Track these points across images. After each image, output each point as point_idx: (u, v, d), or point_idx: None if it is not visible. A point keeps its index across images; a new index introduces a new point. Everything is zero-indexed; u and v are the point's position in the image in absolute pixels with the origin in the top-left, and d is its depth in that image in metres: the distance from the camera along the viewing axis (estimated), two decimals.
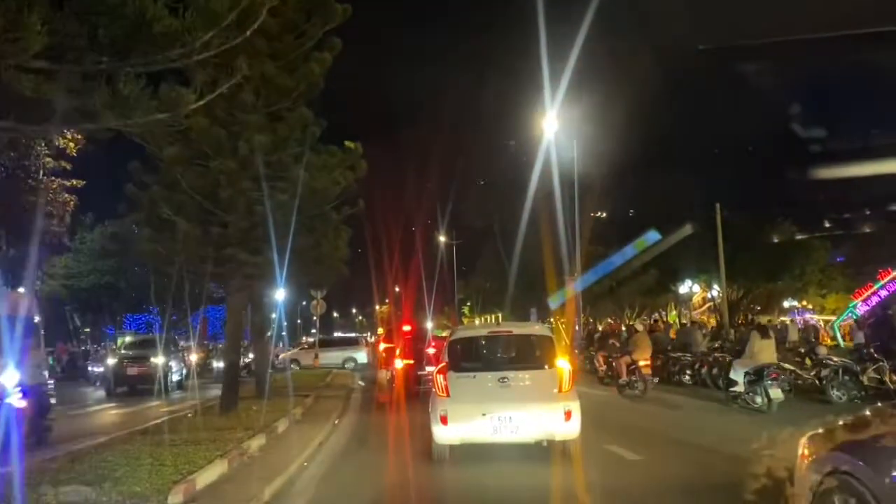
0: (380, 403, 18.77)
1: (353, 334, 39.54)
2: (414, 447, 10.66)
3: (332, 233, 14.73)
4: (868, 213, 37.72)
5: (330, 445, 11.76)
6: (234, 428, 12.04)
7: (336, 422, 14.44)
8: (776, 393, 13.07)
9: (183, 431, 11.79)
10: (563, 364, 9.09)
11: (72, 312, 48.10)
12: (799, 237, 37.61)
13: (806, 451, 4.60)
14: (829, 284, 42.32)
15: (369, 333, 55.21)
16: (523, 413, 8.64)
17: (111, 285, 43.88)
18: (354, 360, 35.90)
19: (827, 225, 39.23)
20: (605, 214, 44.88)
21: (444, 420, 8.76)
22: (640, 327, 20.62)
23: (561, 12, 25.57)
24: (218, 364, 31.42)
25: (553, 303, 36.95)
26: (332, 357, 35.78)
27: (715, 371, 18.49)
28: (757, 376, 13.52)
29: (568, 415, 8.61)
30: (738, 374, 13.95)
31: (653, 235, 32.34)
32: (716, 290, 41.18)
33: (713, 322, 39.12)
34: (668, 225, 36.41)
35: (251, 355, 38.22)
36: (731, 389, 14.22)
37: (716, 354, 19.16)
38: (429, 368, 16.03)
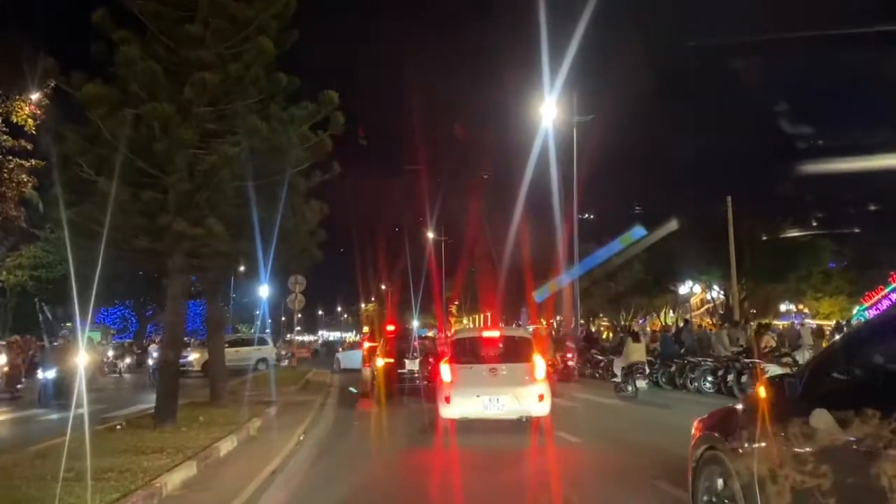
0: (359, 412, 15.71)
1: (262, 333, 34.21)
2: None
3: (300, 204, 11.56)
4: (872, 212, 35.20)
5: (287, 474, 8.65)
6: (160, 450, 8.90)
7: (301, 437, 11.33)
8: (641, 384, 16.34)
9: (90, 454, 8.67)
10: (538, 359, 11.35)
11: (41, 305, 44.55)
12: (804, 236, 35.14)
13: (694, 431, 5.47)
14: (822, 289, 39.67)
15: (287, 333, 50.62)
16: (508, 395, 10.74)
17: (81, 276, 40.18)
18: (266, 361, 30.93)
19: (831, 225, 37.01)
20: (592, 216, 42.37)
21: (447, 400, 10.90)
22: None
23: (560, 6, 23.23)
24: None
25: (539, 297, 35.52)
26: (241, 356, 29.66)
27: (745, 378, 15.64)
28: (629, 371, 16.56)
29: (541, 397, 10.80)
30: (617, 369, 17.38)
31: (638, 231, 31.05)
32: (715, 292, 38.46)
33: (706, 324, 36.59)
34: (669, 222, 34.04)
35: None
36: (613, 380, 17.60)
37: (744, 360, 16.26)
38: (409, 365, 17.80)
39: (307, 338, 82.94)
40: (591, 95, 31.39)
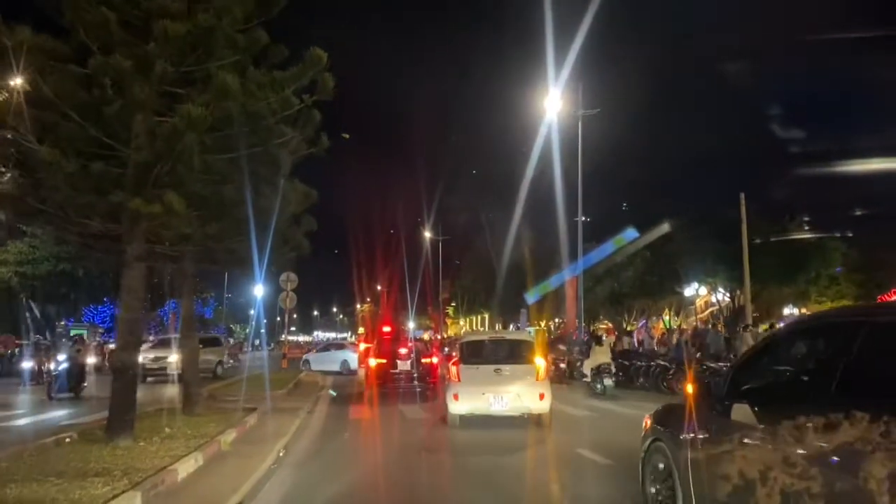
0: (351, 421, 14.01)
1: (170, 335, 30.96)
2: None
3: (283, 183, 9.77)
4: (879, 214, 33.71)
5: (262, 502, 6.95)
6: (105, 472, 7.20)
7: (281, 453, 9.60)
8: (608, 382, 17.73)
9: (21, 476, 6.96)
10: (540, 361, 12.03)
11: (29, 301, 42.62)
12: (812, 238, 33.59)
13: (644, 425, 6.02)
14: (825, 293, 38.03)
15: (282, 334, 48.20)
16: (511, 394, 11.41)
17: (68, 273, 38.36)
18: (222, 364, 27.90)
19: (838, 227, 35.52)
20: (588, 219, 40.94)
21: (456, 397, 11.63)
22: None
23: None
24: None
25: (531, 298, 34.59)
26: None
27: None
28: (597, 371, 18.03)
29: (542, 396, 11.46)
30: (586, 370, 18.88)
31: (631, 233, 30.31)
32: (720, 294, 36.82)
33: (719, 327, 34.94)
34: (676, 222, 32.51)
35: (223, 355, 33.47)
36: (584, 379, 18.94)
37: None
38: (401, 366, 17.72)
39: (302, 338, 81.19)
40: (596, 90, 29.91)
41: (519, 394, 11.41)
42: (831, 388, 3.80)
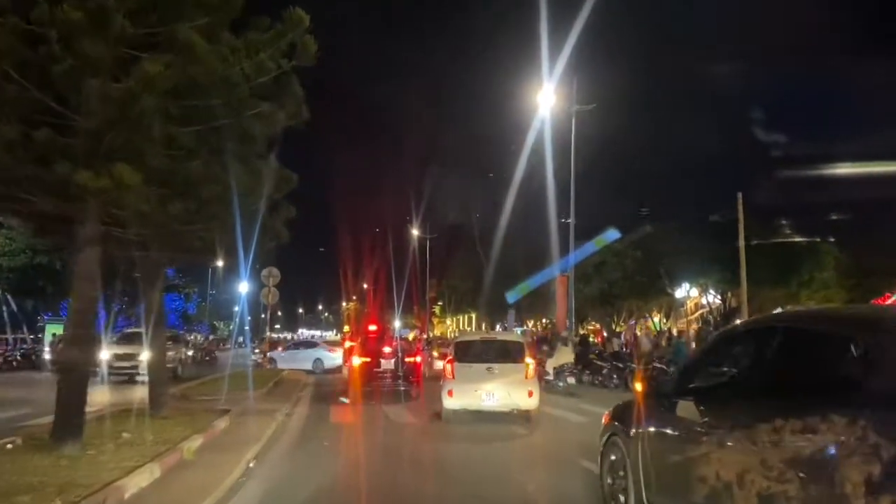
0: (332, 425, 12.92)
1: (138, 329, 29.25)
2: None
3: (256, 159, 8.63)
4: (871, 218, 33.06)
5: None
6: (36, 487, 6.07)
7: (252, 463, 8.49)
8: (570, 380, 18.59)
9: None
10: (529, 360, 12.62)
11: (6, 294, 41.00)
12: (805, 240, 32.88)
13: (603, 421, 6.31)
14: (814, 296, 37.33)
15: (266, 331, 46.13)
16: (502, 391, 12.00)
17: (44, 266, 36.84)
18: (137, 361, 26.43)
19: (832, 231, 34.84)
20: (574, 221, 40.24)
21: (450, 393, 12.14)
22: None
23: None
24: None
25: (511, 297, 34.03)
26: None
27: None
28: (560, 370, 18.75)
29: (530, 393, 12.04)
30: (549, 368, 18.98)
31: (612, 234, 29.78)
32: (711, 296, 36.01)
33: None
34: (670, 223, 31.71)
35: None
36: (546, 378, 18.31)
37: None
38: (385, 365, 17.63)
39: (287, 335, 79.79)
40: (591, 86, 28.87)
41: (509, 391, 11.93)
42: (758, 386, 4.20)
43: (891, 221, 30.74)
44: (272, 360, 29.78)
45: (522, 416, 12.18)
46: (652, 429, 5.15)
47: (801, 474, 3.44)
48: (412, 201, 46.48)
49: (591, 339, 32.32)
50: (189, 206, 7.77)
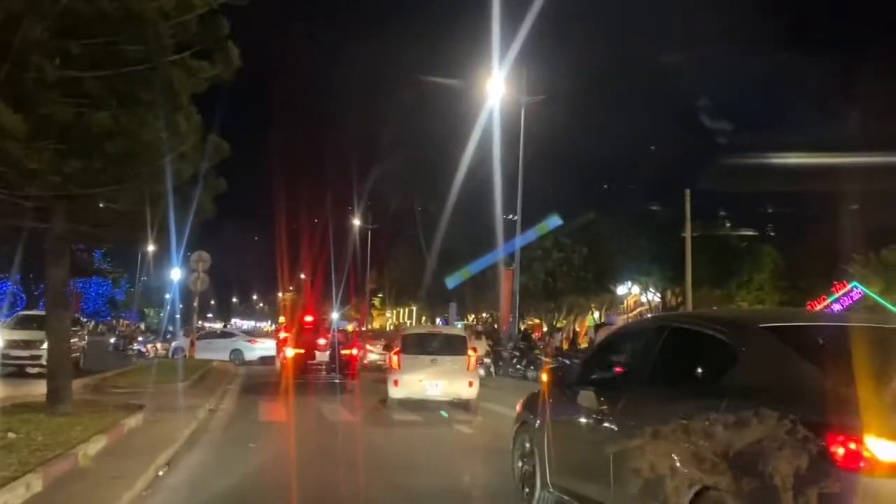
0: (262, 424, 11.66)
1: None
2: None
3: (165, 102, 7.20)
4: (808, 220, 33.51)
5: None
6: None
7: (162, 471, 7.22)
8: (481, 372, 17.36)
9: None
10: (470, 353, 13.27)
11: None
12: (745, 240, 33.09)
13: (516, 410, 6.68)
14: (746, 297, 37.74)
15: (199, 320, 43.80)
16: (445, 381, 12.69)
17: None
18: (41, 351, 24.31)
19: (771, 230, 35.19)
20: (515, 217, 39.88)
21: (396, 383, 12.77)
22: None
23: None
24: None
25: (451, 283, 33.75)
26: None
27: None
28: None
29: (471, 384, 12.79)
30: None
31: (553, 220, 29.21)
32: (651, 293, 35.92)
33: None
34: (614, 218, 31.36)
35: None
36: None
37: None
38: (319, 357, 17.22)
39: (219, 325, 76.94)
40: (542, 77, 28.14)
41: (451, 381, 12.67)
42: (644, 377, 4.64)
43: (825, 220, 31.14)
44: (178, 350, 27.34)
45: (462, 405, 12.88)
46: (557, 415, 5.58)
47: (674, 455, 3.82)
48: (354, 190, 44.98)
49: (531, 335, 31.74)
50: (92, 165, 6.41)
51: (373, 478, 7.31)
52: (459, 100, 30.07)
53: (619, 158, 34.15)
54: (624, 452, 4.27)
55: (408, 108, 36.43)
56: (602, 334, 19.79)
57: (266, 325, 76.43)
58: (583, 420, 5.01)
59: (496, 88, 25.71)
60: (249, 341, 31.03)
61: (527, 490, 5.93)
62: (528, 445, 6.03)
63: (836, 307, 30.69)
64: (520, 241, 27.30)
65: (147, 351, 30.43)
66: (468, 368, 12.93)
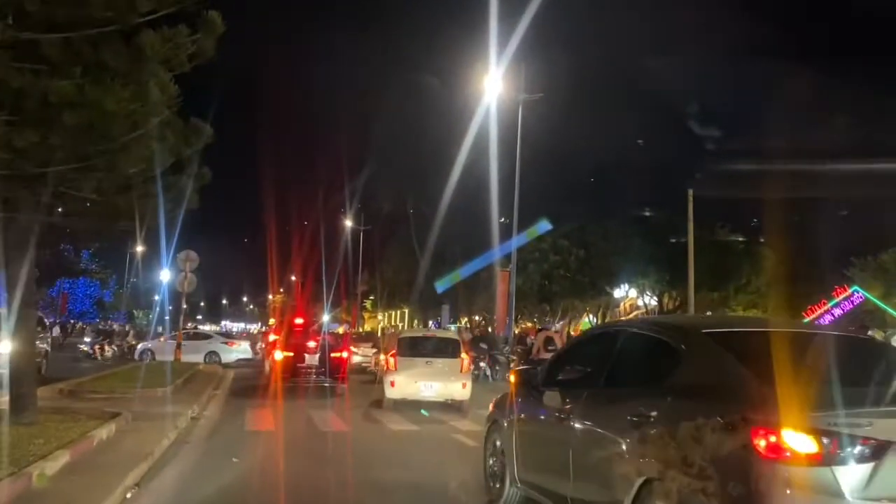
0: (247, 434, 10.71)
1: None
2: None
3: (133, 70, 6.19)
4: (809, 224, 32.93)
5: None
6: None
7: (131, 492, 6.31)
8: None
9: None
10: (464, 356, 13.74)
11: None
12: (743, 243, 32.47)
13: (490, 409, 6.80)
14: (741, 301, 37.09)
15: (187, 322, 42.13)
16: (439, 383, 13.11)
17: None
18: None
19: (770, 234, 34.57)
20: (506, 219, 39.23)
21: (392, 384, 13.05)
22: None
23: None
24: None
25: (440, 287, 33.16)
26: None
27: None
28: None
29: (464, 385, 13.16)
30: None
31: (543, 225, 28.87)
32: (648, 297, 35.20)
33: None
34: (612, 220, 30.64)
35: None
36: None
37: None
38: (309, 360, 16.70)
39: (210, 327, 75.72)
40: (540, 75, 27.35)
41: (445, 383, 13.09)
42: (602, 378, 4.98)
43: (825, 223, 30.60)
44: (147, 352, 26.07)
45: (456, 406, 13.22)
46: (524, 415, 5.79)
47: (624, 449, 4.14)
48: (346, 191, 44.05)
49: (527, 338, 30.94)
50: (49, 139, 5.50)
51: (367, 496, 6.45)
52: (454, 99, 29.32)
53: (618, 159, 33.50)
54: (582, 448, 4.63)
55: (401, 107, 35.58)
56: (540, 338, 20.17)
57: (255, 328, 75.26)
58: (547, 419, 5.27)
59: (493, 86, 24.93)
60: (227, 343, 29.78)
61: (497, 486, 6.10)
62: (498, 444, 6.21)
63: (837, 311, 30.19)
64: (516, 241, 26.54)
65: (94, 353, 27.27)
66: (462, 371, 13.38)
